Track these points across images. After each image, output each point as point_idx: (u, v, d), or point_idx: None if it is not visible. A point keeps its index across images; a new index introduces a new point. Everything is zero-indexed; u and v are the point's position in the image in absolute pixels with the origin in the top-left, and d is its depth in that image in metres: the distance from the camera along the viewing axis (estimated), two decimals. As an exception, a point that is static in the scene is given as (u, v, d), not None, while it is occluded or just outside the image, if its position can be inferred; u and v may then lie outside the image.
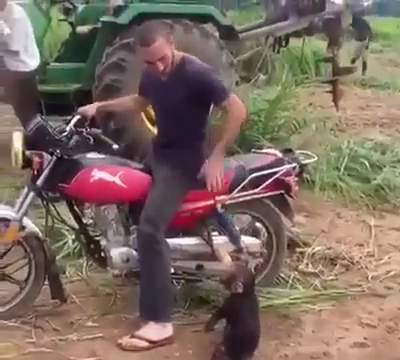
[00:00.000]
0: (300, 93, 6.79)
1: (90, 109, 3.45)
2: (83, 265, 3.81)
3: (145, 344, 3.10)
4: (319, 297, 3.66)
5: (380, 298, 3.72)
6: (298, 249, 4.21)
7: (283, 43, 8.30)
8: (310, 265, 4.05)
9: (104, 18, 6.45)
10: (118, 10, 6.24)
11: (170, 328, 3.17)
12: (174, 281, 3.51)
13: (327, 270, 4.02)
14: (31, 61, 5.72)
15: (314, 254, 4.18)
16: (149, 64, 3.20)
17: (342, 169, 5.72)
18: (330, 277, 3.93)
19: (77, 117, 3.38)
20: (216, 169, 3.21)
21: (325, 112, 8.40)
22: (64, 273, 3.51)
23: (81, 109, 3.46)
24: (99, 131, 3.34)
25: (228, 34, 6.81)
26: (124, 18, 6.10)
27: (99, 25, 6.51)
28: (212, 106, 3.31)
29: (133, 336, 3.13)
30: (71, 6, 7.19)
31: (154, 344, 3.11)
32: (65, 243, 4.00)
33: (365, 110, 10.17)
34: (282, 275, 3.80)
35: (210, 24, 6.65)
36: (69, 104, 5.51)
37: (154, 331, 3.14)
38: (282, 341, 3.21)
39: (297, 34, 8.35)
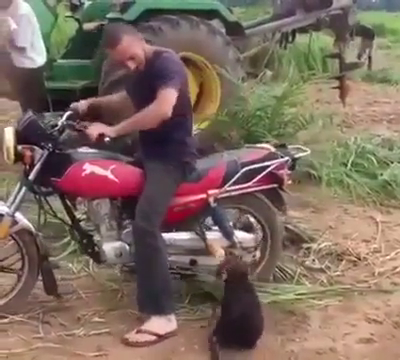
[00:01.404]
0: (307, 89, 6.76)
1: (81, 105, 3.48)
2: (89, 261, 3.82)
3: (151, 338, 3.11)
4: (325, 293, 3.65)
5: (386, 294, 3.71)
6: (304, 245, 4.21)
7: (290, 39, 8.28)
8: (316, 261, 4.04)
9: (111, 15, 6.46)
10: (125, 7, 6.25)
11: (174, 321, 3.19)
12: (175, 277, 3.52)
13: (333, 266, 4.02)
14: (38, 58, 5.74)
15: (320, 250, 4.17)
16: (120, 64, 3.23)
17: (349, 165, 5.71)
18: (336, 273, 3.93)
19: (69, 112, 3.39)
20: (94, 128, 3.15)
21: (332, 108, 8.37)
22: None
23: (73, 104, 3.48)
24: (89, 124, 3.33)
25: (234, 30, 6.81)
26: (131, 14, 6.11)
27: (106, 22, 6.51)
28: (188, 97, 3.31)
29: (139, 331, 3.14)
30: (78, 3, 7.21)
31: (160, 338, 3.12)
32: (70, 239, 4.01)
33: (372, 106, 10.13)
34: (288, 271, 3.80)
35: (217, 20, 6.65)
36: (76, 101, 5.52)
37: (159, 324, 3.15)
38: (288, 337, 3.21)
39: (304, 30, 8.33)
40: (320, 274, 3.88)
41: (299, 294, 3.57)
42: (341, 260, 4.11)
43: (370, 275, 3.92)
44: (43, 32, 5.90)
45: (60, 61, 6.79)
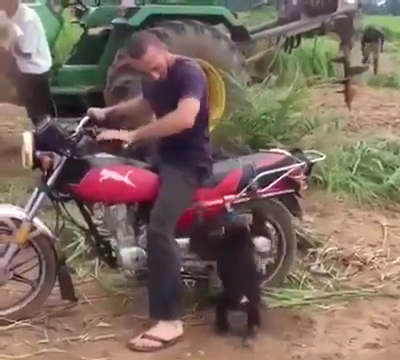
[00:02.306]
0: (312, 93, 6.77)
1: (100, 112, 3.50)
2: (95, 266, 3.83)
3: (157, 344, 3.11)
4: (331, 298, 3.64)
5: (393, 299, 3.69)
6: (310, 249, 4.20)
7: (295, 43, 8.29)
8: (322, 265, 4.03)
9: (116, 20, 6.49)
10: (129, 12, 6.28)
11: (181, 327, 3.19)
12: (185, 281, 3.52)
13: (339, 270, 4.01)
14: (43, 63, 5.76)
15: (326, 254, 4.16)
16: (144, 74, 3.25)
17: (354, 169, 5.70)
18: (342, 278, 3.91)
19: (86, 118, 3.42)
20: (110, 132, 3.19)
21: (337, 112, 8.37)
22: (74, 273, 3.51)
23: (90, 110, 3.49)
24: (106, 130, 3.35)
25: (239, 35, 6.83)
26: (135, 20, 6.13)
27: (111, 27, 6.54)
28: (208, 104, 3.32)
29: (145, 336, 3.14)
30: (83, 8, 7.24)
31: (166, 344, 3.12)
32: (77, 244, 4.01)
33: (378, 110, 10.13)
34: (294, 275, 3.79)
35: (221, 25, 6.67)
36: (81, 106, 5.54)
37: (166, 330, 3.14)
38: (294, 342, 3.20)
39: (309, 34, 8.34)
40: (326, 279, 3.87)
41: (305, 299, 3.57)
42: (347, 265, 4.10)
43: (376, 280, 3.91)
44: (49, 38, 5.93)
45: (65, 66, 6.81)
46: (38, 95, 5.63)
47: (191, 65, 3.26)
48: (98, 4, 7.51)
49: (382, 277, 3.93)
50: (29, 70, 5.68)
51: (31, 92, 5.62)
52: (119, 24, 6.40)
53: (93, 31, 6.89)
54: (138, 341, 3.12)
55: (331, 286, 3.77)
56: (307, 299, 3.57)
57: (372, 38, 13.60)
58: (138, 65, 3.21)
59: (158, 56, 3.16)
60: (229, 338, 3.18)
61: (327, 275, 3.93)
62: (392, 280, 3.91)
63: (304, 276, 3.81)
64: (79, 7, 7.24)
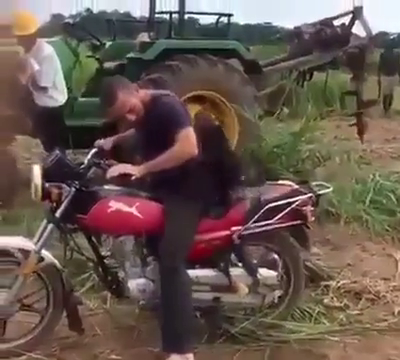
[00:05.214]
0: (325, 126, 6.81)
1: (107, 142, 3.57)
2: (107, 297, 3.82)
3: (168, 376, 3.09)
4: (344, 331, 3.60)
5: (407, 333, 3.65)
6: (323, 282, 4.17)
7: (307, 77, 8.38)
8: (335, 299, 4.00)
9: (130, 54, 6.61)
10: (144, 46, 6.40)
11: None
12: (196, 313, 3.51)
13: (352, 304, 3.97)
14: (59, 96, 5.88)
15: (339, 288, 4.13)
16: (119, 118, 3.32)
17: (367, 202, 5.69)
18: (355, 311, 3.88)
19: (94, 150, 3.48)
20: (118, 168, 3.22)
21: (350, 145, 8.39)
22: (82, 304, 3.51)
23: (98, 142, 3.57)
24: (115, 163, 3.40)
25: (252, 68, 6.92)
26: (150, 54, 6.25)
27: (125, 61, 6.66)
28: None
29: (157, 369, 3.12)
30: (98, 43, 7.38)
31: (177, 376, 3.09)
32: (89, 275, 4.02)
33: (391, 143, 10.13)
34: (306, 309, 3.75)
35: (234, 59, 6.76)
36: (97, 138, 5.62)
37: (177, 363, 3.12)
38: (306, 376, 3.17)
39: (321, 68, 8.43)
40: (339, 312, 3.83)
41: (318, 333, 3.52)
42: (360, 298, 4.06)
43: (389, 314, 3.86)
44: (65, 71, 6.06)
45: (81, 99, 6.92)
46: (53, 128, 5.72)
47: (169, 99, 3.33)
48: (113, 39, 7.66)
49: (396, 311, 3.88)
50: (45, 103, 5.79)
51: (47, 125, 5.72)
52: (134, 58, 6.52)
53: (108, 65, 7.01)
54: (149, 374, 3.11)
55: (344, 320, 3.73)
56: (320, 333, 3.53)
57: (389, 71, 13.51)
58: (113, 112, 3.27)
59: (129, 99, 3.23)
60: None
61: (340, 309, 3.89)
62: (406, 314, 3.87)
63: (317, 309, 3.78)
64: (95, 42, 7.38)
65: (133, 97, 3.26)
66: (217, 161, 3.35)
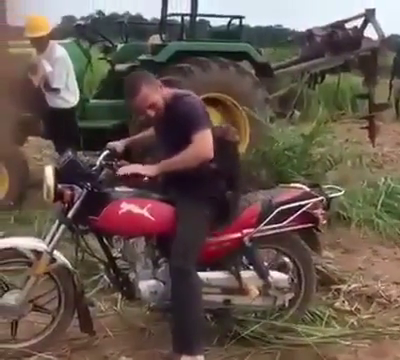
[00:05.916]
0: (337, 129, 6.78)
1: (119, 144, 3.58)
2: (118, 299, 3.82)
3: (179, 378, 3.08)
4: (355, 336, 3.58)
5: (418, 338, 3.63)
6: (334, 286, 4.16)
7: (319, 80, 8.36)
8: (346, 303, 3.98)
9: (142, 56, 6.62)
10: (156, 49, 6.41)
11: (202, 362, 3.17)
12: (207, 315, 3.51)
13: (364, 308, 3.95)
14: (71, 98, 5.90)
15: (350, 292, 4.12)
16: (140, 113, 3.32)
17: (379, 205, 5.67)
18: (366, 315, 3.86)
19: (106, 151, 3.49)
20: (129, 167, 3.23)
21: (362, 148, 8.37)
22: (93, 306, 3.51)
23: (110, 144, 3.57)
24: (127, 163, 3.40)
25: (263, 71, 6.92)
26: (162, 56, 6.26)
27: (137, 63, 6.67)
28: None
29: (167, 371, 3.12)
30: (110, 45, 7.40)
31: (187, 378, 3.09)
32: (101, 277, 4.02)
33: (402, 146, 10.10)
34: (318, 312, 3.74)
35: (246, 61, 6.76)
36: (107, 140, 5.63)
37: (188, 365, 3.12)
38: (317, 380, 3.15)
39: (333, 71, 8.40)
40: (350, 316, 3.81)
41: (329, 337, 3.50)
42: (371, 302, 4.04)
43: (401, 318, 3.85)
44: (77, 73, 6.08)
45: (93, 101, 6.95)
46: (65, 129, 5.75)
47: (191, 101, 3.32)
48: (125, 41, 7.68)
49: (407, 316, 3.87)
50: (57, 105, 5.82)
51: (59, 126, 5.75)
52: (146, 60, 6.53)
53: (120, 67, 7.03)
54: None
55: (355, 324, 3.72)
56: (331, 337, 3.51)
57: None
58: (134, 104, 3.28)
59: (152, 94, 3.24)
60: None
61: (351, 312, 3.88)
62: (417, 319, 3.84)
63: (328, 313, 3.75)
64: (106, 44, 7.41)
65: (156, 93, 3.26)
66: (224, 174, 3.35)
